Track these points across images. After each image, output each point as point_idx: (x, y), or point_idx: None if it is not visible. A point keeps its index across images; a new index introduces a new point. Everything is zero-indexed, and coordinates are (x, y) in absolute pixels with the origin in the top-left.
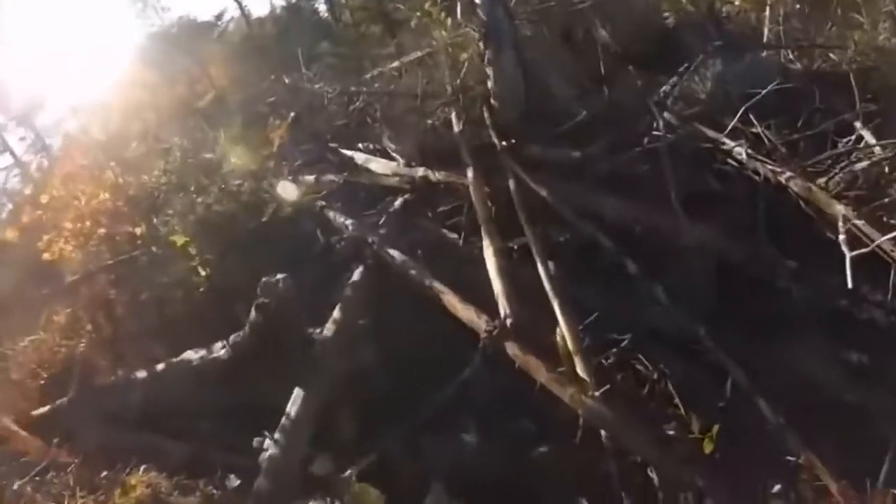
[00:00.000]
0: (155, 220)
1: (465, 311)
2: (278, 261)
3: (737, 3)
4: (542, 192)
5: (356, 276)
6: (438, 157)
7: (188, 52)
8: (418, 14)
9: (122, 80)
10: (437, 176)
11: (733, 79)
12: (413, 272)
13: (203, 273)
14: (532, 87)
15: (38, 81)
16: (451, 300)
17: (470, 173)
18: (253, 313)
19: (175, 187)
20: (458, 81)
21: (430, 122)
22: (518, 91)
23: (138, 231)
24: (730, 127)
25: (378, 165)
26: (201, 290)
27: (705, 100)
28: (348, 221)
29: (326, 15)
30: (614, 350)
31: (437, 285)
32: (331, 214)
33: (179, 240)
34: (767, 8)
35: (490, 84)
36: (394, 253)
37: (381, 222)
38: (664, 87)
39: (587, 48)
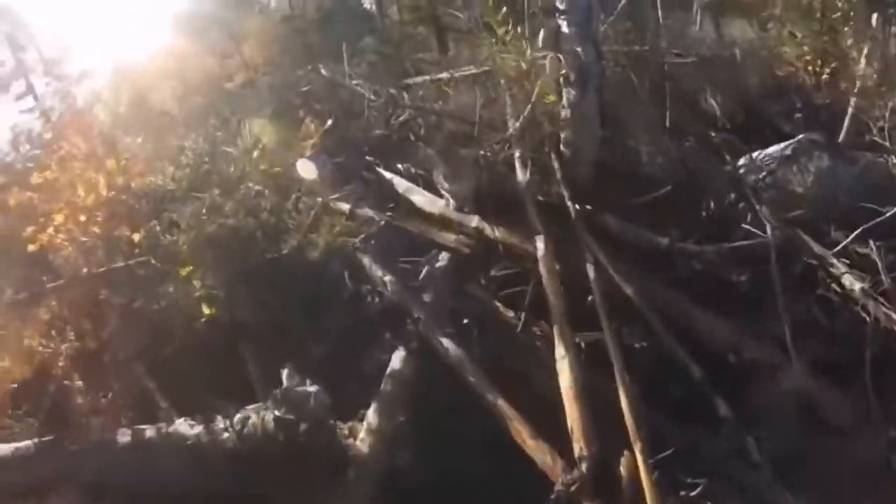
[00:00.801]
0: (158, 227)
1: (535, 448)
2: (297, 302)
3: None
4: (627, 287)
5: (396, 362)
6: (497, 206)
7: (225, 24)
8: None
9: (153, 43)
10: (495, 233)
11: (842, 182)
12: (472, 378)
13: (208, 311)
14: (607, 142)
15: (69, 27)
16: (520, 430)
17: (540, 244)
18: (271, 423)
19: (184, 193)
20: (523, 116)
21: (486, 157)
22: (594, 142)
23: (136, 237)
24: (841, 245)
25: (423, 200)
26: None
27: (804, 197)
28: (386, 277)
29: (372, 7)
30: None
31: (504, 406)
32: (364, 260)
33: (183, 269)
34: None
35: (563, 128)
36: (446, 344)
37: (423, 280)
38: (762, 174)
39: (678, 109)
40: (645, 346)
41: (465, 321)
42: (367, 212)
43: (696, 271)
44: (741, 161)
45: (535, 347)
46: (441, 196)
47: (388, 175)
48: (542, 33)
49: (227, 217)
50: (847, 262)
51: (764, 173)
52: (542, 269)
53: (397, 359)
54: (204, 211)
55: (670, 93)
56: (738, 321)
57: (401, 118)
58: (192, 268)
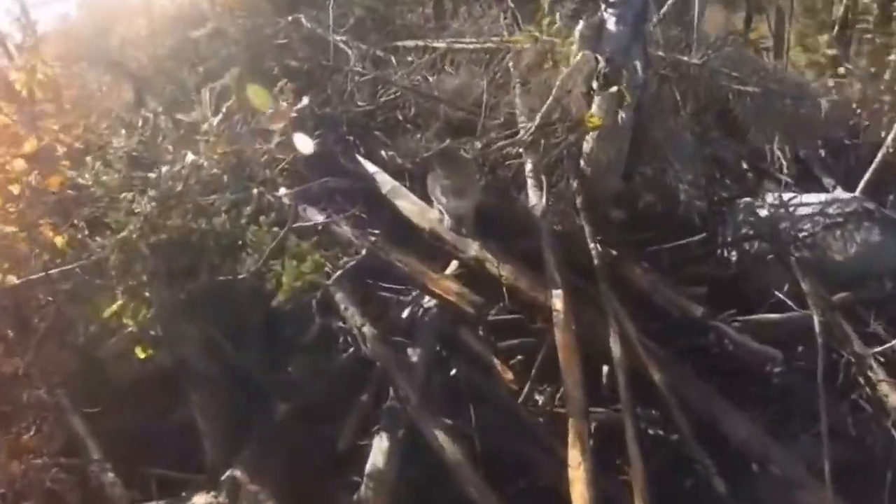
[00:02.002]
0: (86, 231)
1: None
2: (257, 341)
3: None
4: (654, 369)
5: (378, 454)
6: (503, 231)
7: None
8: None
9: None
10: (500, 270)
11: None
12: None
13: (142, 353)
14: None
15: None
16: None
17: (558, 301)
18: None
19: (118, 188)
20: (540, 116)
21: (491, 164)
22: (619, 164)
23: (59, 241)
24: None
25: (411, 208)
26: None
27: (843, 271)
28: (364, 328)
29: None
30: None
31: None
32: (337, 295)
33: (107, 308)
34: None
35: (589, 144)
36: (440, 438)
37: (409, 323)
38: (803, 231)
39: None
40: (661, 434)
41: (459, 388)
42: (345, 231)
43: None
44: (770, 199)
45: (539, 428)
46: (432, 205)
47: (369, 167)
48: (580, 27)
49: (170, 219)
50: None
51: (805, 233)
52: (557, 335)
53: (378, 450)
54: (140, 208)
55: (716, 120)
56: (767, 417)
57: (388, 95)
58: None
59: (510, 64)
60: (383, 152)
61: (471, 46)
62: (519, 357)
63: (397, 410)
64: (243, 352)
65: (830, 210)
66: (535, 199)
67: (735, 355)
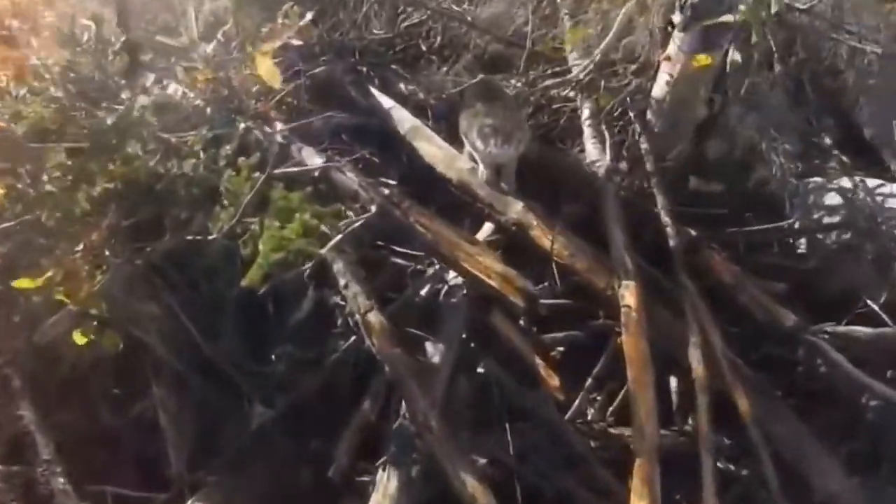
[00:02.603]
0: (28, 181)
1: None
2: (228, 319)
3: None
4: (740, 396)
5: (383, 497)
6: (552, 191)
7: None
8: None
9: None
10: (550, 241)
11: None
12: None
13: (82, 338)
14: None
15: None
16: None
17: (628, 293)
18: None
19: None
20: (600, 50)
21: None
22: (693, 120)
23: None
24: None
25: (434, 153)
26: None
27: None
28: (371, 315)
29: None
30: None
31: None
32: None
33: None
34: None
35: (659, 90)
36: (465, 478)
37: (429, 307)
38: None
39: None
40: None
41: (490, 395)
42: (350, 180)
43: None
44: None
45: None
46: (463, 151)
47: (385, 101)
48: None
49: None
50: None
51: None
52: (626, 340)
53: (383, 492)
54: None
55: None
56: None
57: (411, 20)
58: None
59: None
60: (402, 86)
61: None
62: (564, 355)
63: (410, 434)
64: (215, 336)
65: None
66: (594, 153)
67: (824, 376)
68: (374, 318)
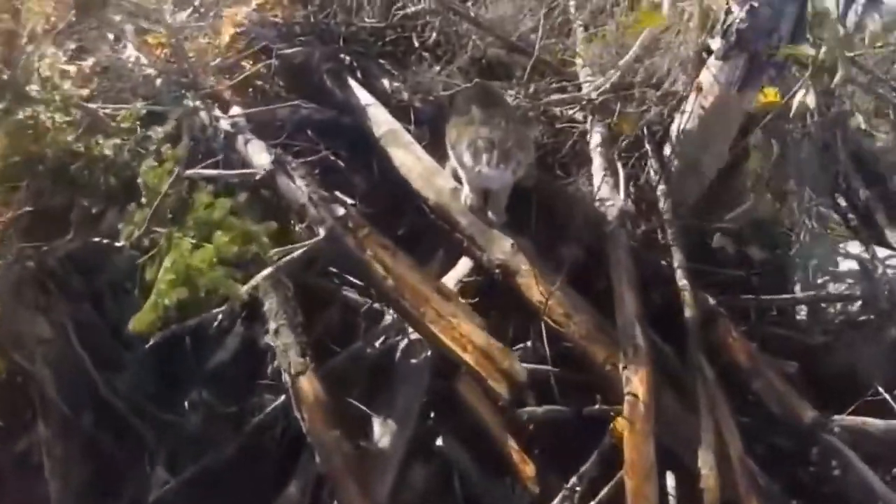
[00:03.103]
0: None
1: None
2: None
3: None
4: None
5: None
6: (547, 231)
7: None
8: None
9: None
10: (544, 297)
11: None
12: None
13: None
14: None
15: None
16: None
17: (635, 377)
18: None
19: None
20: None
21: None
22: (717, 163)
23: None
24: None
25: (410, 164)
26: None
27: None
28: (304, 379)
29: None
30: None
31: None
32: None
33: None
34: None
35: (683, 122)
36: None
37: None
38: None
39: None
40: None
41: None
42: (300, 191)
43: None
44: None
45: None
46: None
47: (363, 97)
48: None
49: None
50: None
51: None
52: (627, 436)
53: None
54: None
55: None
56: None
57: (409, 8)
58: None
59: (571, 4)
60: (386, 82)
61: None
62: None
63: None
64: (116, 370)
65: None
66: (604, 189)
67: (836, 479)
68: (307, 383)
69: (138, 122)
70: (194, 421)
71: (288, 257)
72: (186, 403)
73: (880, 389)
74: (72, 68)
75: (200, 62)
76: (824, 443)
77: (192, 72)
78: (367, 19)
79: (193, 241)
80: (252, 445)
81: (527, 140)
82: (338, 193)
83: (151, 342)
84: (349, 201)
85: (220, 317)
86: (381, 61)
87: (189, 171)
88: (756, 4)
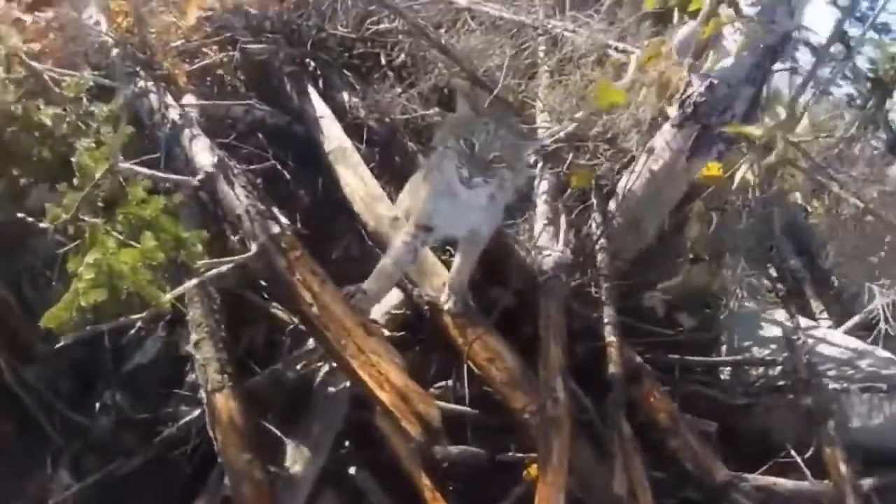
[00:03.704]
0: None
1: None
2: (51, 339)
3: None
4: None
5: None
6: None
7: None
8: None
9: None
10: (468, 340)
11: None
12: None
13: None
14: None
15: None
16: None
17: (554, 430)
18: None
19: None
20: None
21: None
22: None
23: None
24: None
25: (353, 185)
26: None
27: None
28: (221, 395)
29: None
30: None
31: None
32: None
33: None
34: None
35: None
36: None
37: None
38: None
39: None
40: None
41: None
42: (238, 201)
43: None
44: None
45: None
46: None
47: (319, 108)
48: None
49: None
50: None
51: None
52: (541, 482)
53: None
54: None
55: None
56: None
57: (382, 25)
58: None
59: (541, 49)
60: (346, 95)
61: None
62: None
63: None
64: (27, 360)
65: (862, 364)
66: (544, 237)
67: None
68: (224, 401)
69: (84, 94)
70: (104, 424)
71: (215, 270)
72: (98, 405)
73: (792, 451)
74: (28, 17)
75: (161, 40)
76: (734, 502)
77: (150, 48)
78: (339, 27)
79: (121, 237)
80: (162, 457)
81: (520, 159)
82: (276, 210)
83: (62, 343)
84: (285, 221)
85: (138, 323)
86: (345, 73)
87: (123, 164)
88: (715, 82)
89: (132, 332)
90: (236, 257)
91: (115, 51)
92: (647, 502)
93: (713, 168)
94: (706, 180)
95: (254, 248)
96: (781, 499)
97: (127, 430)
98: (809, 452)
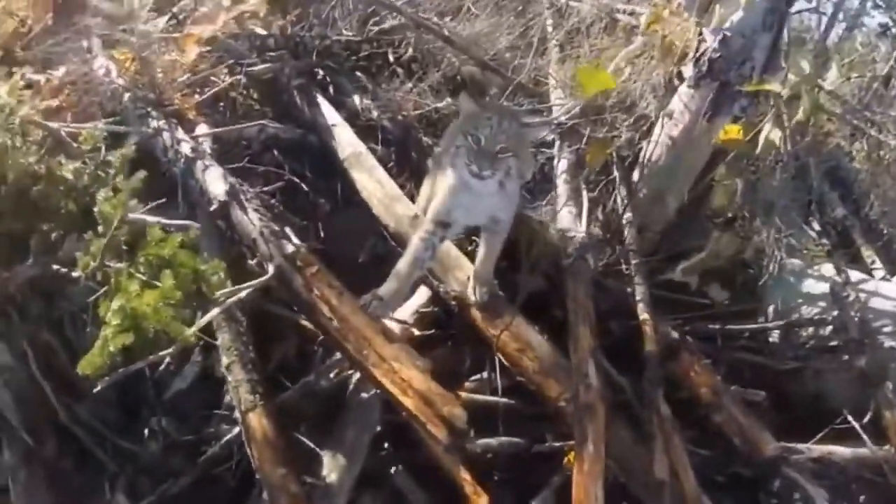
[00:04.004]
0: None
1: None
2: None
3: None
4: None
5: None
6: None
7: None
8: None
9: None
10: (498, 331)
11: None
12: None
13: None
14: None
15: None
16: None
17: (588, 417)
18: None
19: None
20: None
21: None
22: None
23: None
24: None
25: (370, 188)
26: None
27: None
28: (255, 414)
29: None
30: None
31: None
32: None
33: None
34: None
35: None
36: None
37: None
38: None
39: None
40: None
41: None
42: (251, 225)
43: None
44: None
45: None
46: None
47: (330, 116)
48: None
49: None
50: None
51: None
52: (577, 485)
53: None
54: None
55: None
56: None
57: (386, 23)
58: None
59: (548, 23)
60: (357, 99)
61: None
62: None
63: None
64: (76, 397)
65: None
66: (567, 218)
67: None
68: (257, 420)
69: (100, 144)
70: (153, 449)
71: (234, 298)
72: (146, 431)
73: (848, 417)
74: (41, 78)
75: (168, 78)
76: (785, 476)
77: (158, 88)
78: (343, 32)
79: (144, 279)
80: (208, 475)
81: (525, 146)
82: (288, 230)
83: (100, 386)
84: (297, 241)
85: (167, 360)
86: (354, 76)
87: (132, 214)
88: (728, 34)
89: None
90: (254, 282)
91: (126, 96)
92: (690, 484)
93: (732, 131)
94: (726, 145)
95: (271, 269)
96: (838, 468)
97: (174, 452)
98: (867, 417)
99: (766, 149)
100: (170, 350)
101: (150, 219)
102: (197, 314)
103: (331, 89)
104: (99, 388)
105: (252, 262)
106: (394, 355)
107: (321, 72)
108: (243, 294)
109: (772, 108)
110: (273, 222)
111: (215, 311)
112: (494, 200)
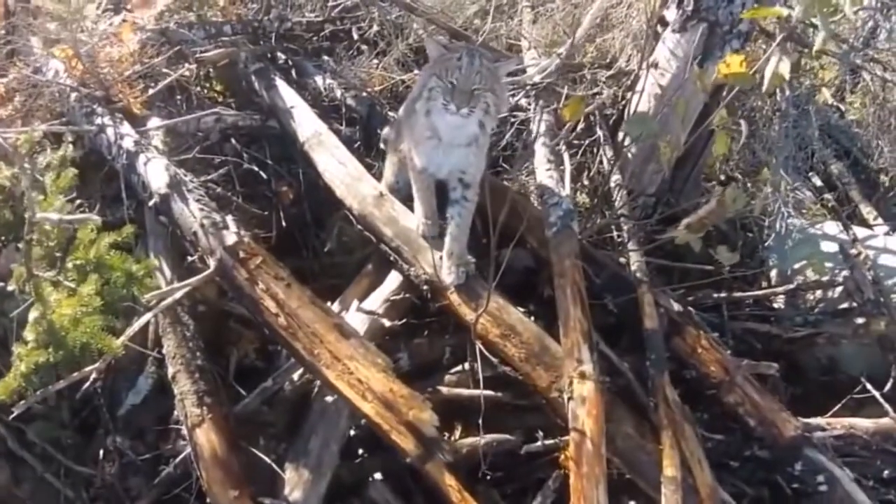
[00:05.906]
0: None
1: None
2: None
3: None
4: None
5: None
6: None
7: None
8: None
9: None
10: (476, 313)
11: None
12: None
13: None
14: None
15: None
16: None
17: (581, 405)
18: None
19: None
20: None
21: None
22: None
23: None
24: None
25: (333, 170)
26: None
27: None
28: (202, 428)
29: None
30: None
31: None
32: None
33: None
34: None
35: (633, 105)
36: None
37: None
38: None
39: None
40: None
41: None
42: (192, 218)
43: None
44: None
45: None
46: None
47: (289, 98)
48: None
49: None
50: None
51: None
52: (574, 487)
53: None
54: None
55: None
56: None
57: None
58: None
59: None
60: (320, 79)
61: None
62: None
63: None
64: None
65: None
66: (549, 184)
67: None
68: (205, 436)
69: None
70: (109, 471)
71: (169, 300)
72: (101, 452)
73: (867, 385)
74: None
75: (115, 72)
76: (808, 459)
77: (104, 83)
78: (306, 14)
79: (73, 286)
80: (167, 495)
81: (498, 81)
82: (229, 219)
83: (15, 413)
84: (240, 231)
85: (93, 375)
86: (320, 57)
87: (39, 215)
88: None
89: (127, 372)
90: (191, 280)
91: (73, 95)
92: (705, 480)
93: (735, 62)
94: (727, 79)
95: (212, 264)
96: (862, 442)
97: (132, 473)
98: (889, 385)
99: (773, 84)
100: (96, 365)
101: (53, 216)
102: (133, 321)
103: (293, 72)
104: (15, 413)
105: (194, 258)
106: (349, 353)
107: (282, 56)
108: (178, 295)
109: (781, 36)
110: (215, 213)
111: (146, 317)
112: (473, 130)
